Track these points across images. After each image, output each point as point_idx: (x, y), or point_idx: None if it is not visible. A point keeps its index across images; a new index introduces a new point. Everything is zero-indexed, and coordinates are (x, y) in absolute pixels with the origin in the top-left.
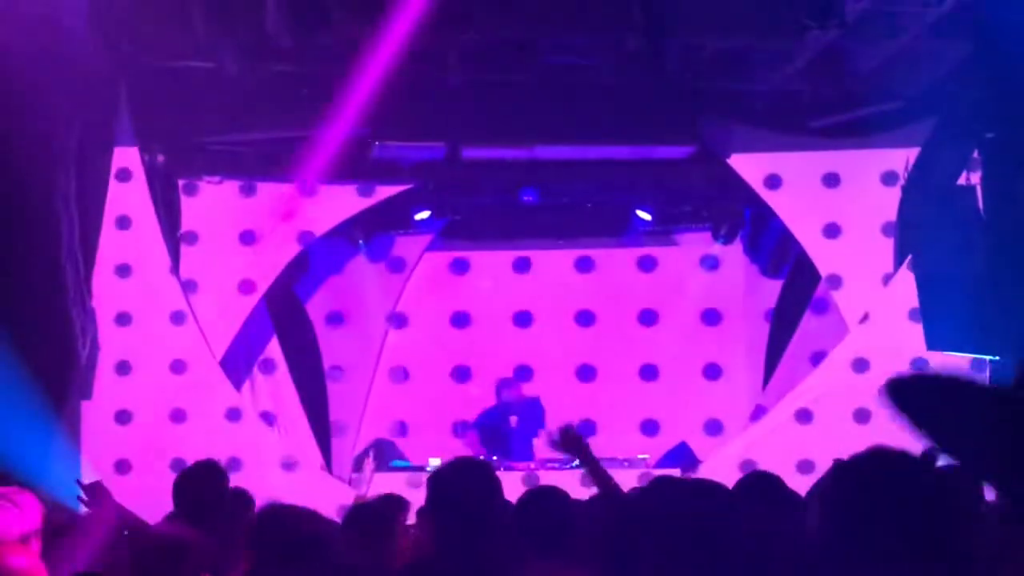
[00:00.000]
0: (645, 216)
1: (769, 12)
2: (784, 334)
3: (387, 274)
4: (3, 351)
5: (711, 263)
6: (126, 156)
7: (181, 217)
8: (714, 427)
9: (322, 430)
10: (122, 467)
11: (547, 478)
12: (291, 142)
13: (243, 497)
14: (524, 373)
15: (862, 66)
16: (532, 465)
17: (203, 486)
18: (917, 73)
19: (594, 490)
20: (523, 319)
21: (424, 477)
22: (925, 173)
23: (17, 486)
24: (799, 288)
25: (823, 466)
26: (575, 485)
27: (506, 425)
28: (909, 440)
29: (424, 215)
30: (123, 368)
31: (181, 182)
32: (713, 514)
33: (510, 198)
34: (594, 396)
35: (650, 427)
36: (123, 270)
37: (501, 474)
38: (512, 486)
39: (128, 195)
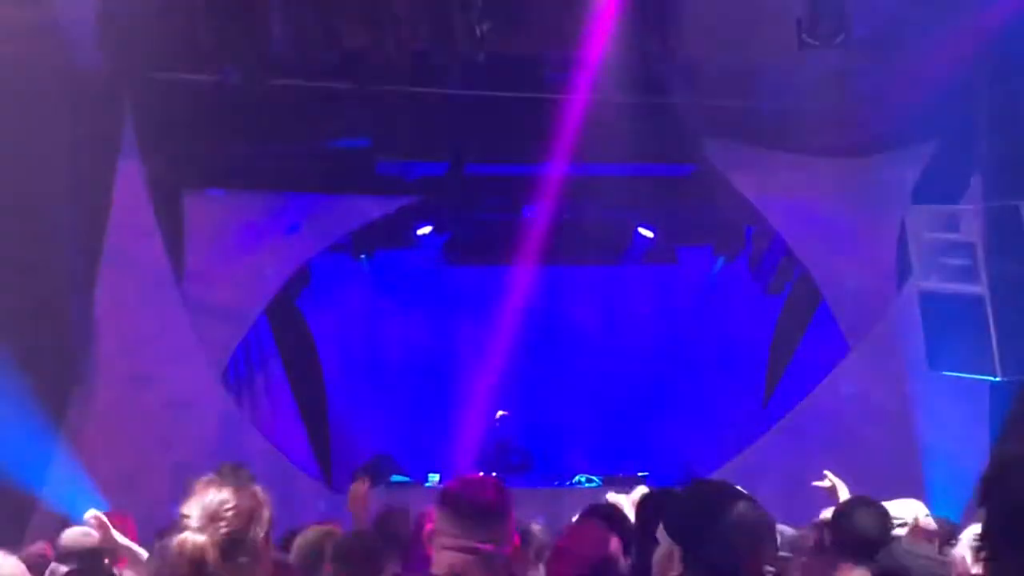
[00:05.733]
0: (647, 233)
1: (773, 32)
2: (785, 352)
3: (389, 288)
4: (6, 364)
5: (713, 280)
6: (130, 168)
7: (184, 229)
8: (715, 444)
9: (322, 443)
10: (123, 479)
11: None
12: (294, 155)
13: None
14: (523, 388)
15: (865, 86)
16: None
17: None
18: (920, 94)
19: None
20: (525, 334)
21: (423, 492)
22: (927, 193)
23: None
24: (800, 306)
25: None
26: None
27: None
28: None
29: (426, 230)
30: (125, 381)
31: (184, 194)
32: None
33: (512, 214)
34: (594, 412)
35: (650, 444)
36: (126, 283)
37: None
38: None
39: (131, 207)
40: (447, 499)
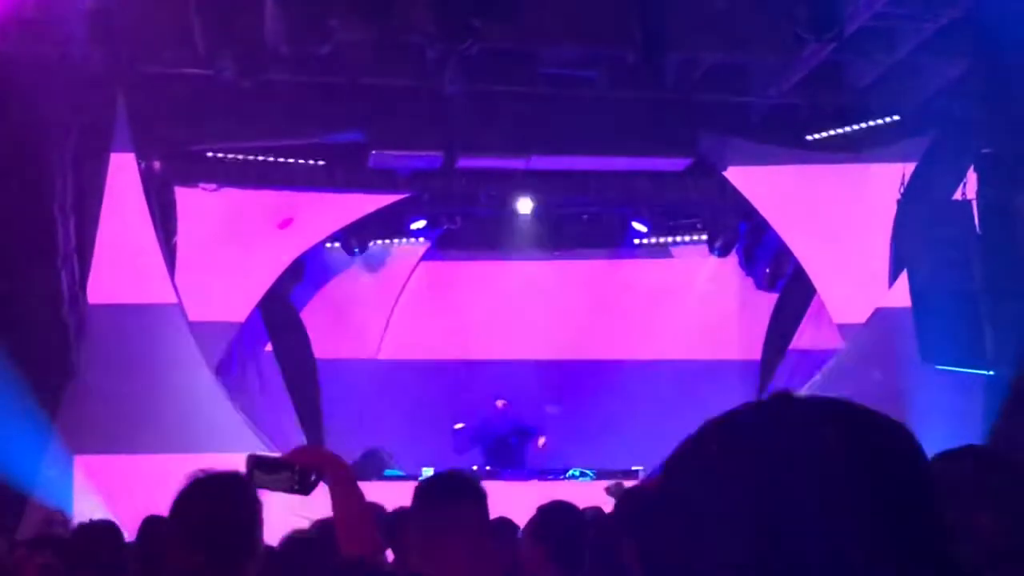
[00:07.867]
0: (641, 227)
1: (766, 27)
2: (779, 346)
3: (382, 282)
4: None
5: (707, 275)
6: (123, 162)
7: (177, 224)
8: None
9: (316, 437)
10: (115, 473)
11: (544, 488)
12: (287, 149)
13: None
14: (517, 382)
15: (859, 81)
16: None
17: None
18: (913, 88)
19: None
20: (518, 328)
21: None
22: (921, 187)
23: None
24: (794, 301)
25: None
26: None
27: (508, 440)
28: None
29: (420, 224)
30: (118, 374)
31: (178, 188)
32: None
33: (506, 208)
34: (589, 405)
35: (644, 438)
36: (119, 276)
37: (500, 483)
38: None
39: (124, 201)
40: (418, 494)
